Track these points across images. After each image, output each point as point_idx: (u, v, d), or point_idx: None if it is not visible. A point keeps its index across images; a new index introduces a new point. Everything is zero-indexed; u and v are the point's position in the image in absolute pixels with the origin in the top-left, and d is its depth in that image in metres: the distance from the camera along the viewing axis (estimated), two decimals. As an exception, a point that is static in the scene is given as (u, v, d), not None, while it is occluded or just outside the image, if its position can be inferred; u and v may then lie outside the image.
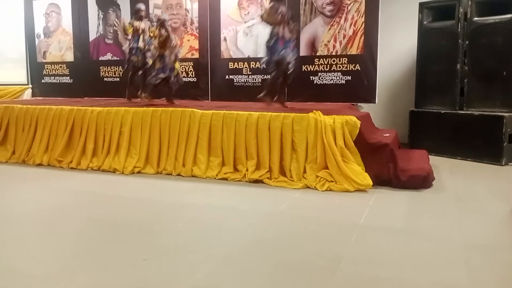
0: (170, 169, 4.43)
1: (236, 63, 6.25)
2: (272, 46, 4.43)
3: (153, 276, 2.14)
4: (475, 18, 4.92)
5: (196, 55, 6.49)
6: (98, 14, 7.21)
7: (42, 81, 7.86)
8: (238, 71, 6.24)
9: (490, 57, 4.85)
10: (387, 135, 4.34)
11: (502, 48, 4.75)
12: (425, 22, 5.33)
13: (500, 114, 4.68)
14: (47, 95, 7.67)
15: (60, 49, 7.66)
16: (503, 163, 4.63)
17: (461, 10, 5.00)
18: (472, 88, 5.01)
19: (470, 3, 4.94)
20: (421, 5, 5.33)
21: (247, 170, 4.13)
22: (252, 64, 6.15)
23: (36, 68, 7.94)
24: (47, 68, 7.78)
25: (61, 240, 2.69)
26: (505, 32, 4.71)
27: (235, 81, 6.27)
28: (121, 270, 2.21)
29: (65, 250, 2.52)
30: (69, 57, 7.57)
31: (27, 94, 7.93)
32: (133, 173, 4.48)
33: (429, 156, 4.63)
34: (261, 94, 4.58)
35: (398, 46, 5.91)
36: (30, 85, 8.00)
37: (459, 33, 5.02)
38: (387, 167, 3.80)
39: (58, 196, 3.75)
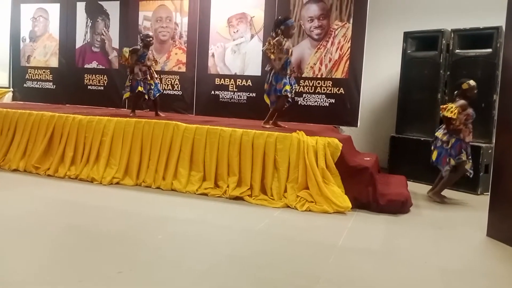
0: (149, 181, 4.38)
1: (222, 79, 6.28)
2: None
3: (128, 290, 2.10)
4: (457, 50, 5.08)
5: (183, 69, 6.50)
6: (87, 22, 7.18)
7: (24, 85, 7.71)
8: (224, 87, 6.27)
9: (470, 88, 4.98)
10: (368, 159, 4.40)
11: (481, 81, 4.87)
12: (408, 51, 5.47)
13: (477, 144, 4.79)
14: (28, 100, 7.53)
15: (45, 54, 7.56)
16: (479, 193, 4.72)
17: (443, 41, 5.16)
18: (452, 118, 5.12)
19: (452, 36, 5.10)
20: (406, 34, 5.48)
21: (228, 186, 4.12)
22: (239, 81, 6.19)
23: (19, 72, 7.80)
24: (30, 73, 7.66)
25: (36, 249, 2.62)
26: (485, 65, 4.87)
27: (221, 97, 6.28)
28: (96, 282, 2.16)
29: (40, 259, 2.46)
30: (54, 62, 7.47)
31: (8, 98, 7.77)
32: (112, 183, 4.41)
33: (408, 182, 4.69)
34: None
35: (382, 72, 6.03)
36: (11, 89, 7.85)
37: (441, 64, 5.17)
38: (366, 190, 3.84)
39: (33, 203, 3.66)
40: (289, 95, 4.41)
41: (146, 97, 5.23)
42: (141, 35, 5.66)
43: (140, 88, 5.11)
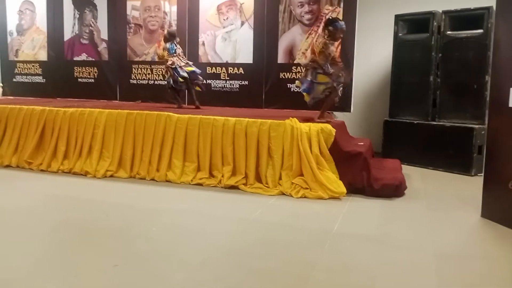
0: (143, 173, 4.36)
1: (214, 68, 6.23)
2: None
3: (124, 283, 2.10)
4: (448, 32, 5.06)
5: (174, 59, 6.43)
6: (74, 14, 7.07)
7: (14, 80, 7.62)
8: (216, 76, 6.22)
9: (462, 70, 4.98)
10: (361, 144, 4.39)
11: (473, 62, 4.88)
12: (400, 34, 5.44)
13: (470, 126, 4.80)
14: (18, 95, 7.44)
15: (33, 47, 7.46)
16: (473, 174, 4.75)
17: (435, 23, 5.13)
18: (444, 100, 5.13)
19: (443, 17, 5.07)
20: (397, 17, 5.44)
21: (222, 176, 4.11)
22: (230, 69, 6.14)
23: (7, 67, 7.70)
24: (19, 67, 7.56)
25: (30, 244, 2.61)
26: (476, 46, 4.85)
27: (213, 85, 6.24)
28: (92, 276, 2.15)
29: (34, 254, 2.44)
30: (43, 56, 7.38)
31: (-3, 93, 7.69)
32: (105, 176, 4.39)
33: (402, 165, 4.71)
34: None
35: (373, 56, 6.00)
36: (1, 84, 7.75)
37: (432, 46, 5.14)
38: (360, 175, 3.84)
39: (27, 198, 3.63)
40: (335, 85, 4.09)
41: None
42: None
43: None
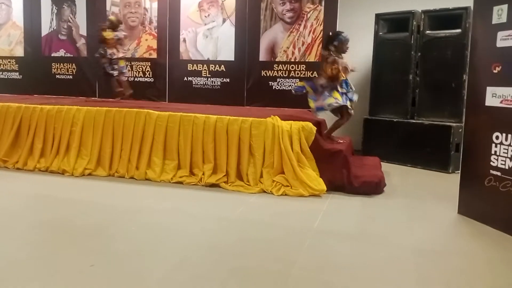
0: (122, 171, 4.30)
1: (195, 65, 6.19)
2: None
3: (103, 282, 2.06)
4: (427, 31, 5.13)
5: (154, 55, 6.38)
6: (52, 9, 6.93)
7: (-11, 76, 7.46)
8: (197, 73, 6.19)
9: (440, 69, 5.06)
10: (342, 141, 4.42)
11: (451, 61, 4.96)
12: (380, 33, 5.49)
13: (448, 124, 4.88)
14: (-7, 91, 7.28)
15: (10, 43, 7.29)
16: (450, 171, 4.83)
17: (414, 23, 5.19)
18: (423, 98, 5.20)
19: (423, 17, 5.14)
20: (377, 16, 5.49)
21: (203, 174, 4.08)
22: (212, 66, 6.11)
23: (-18, 62, 7.52)
24: (-6, 63, 7.39)
25: (7, 244, 2.54)
26: (454, 45, 4.93)
27: (194, 83, 6.20)
28: (69, 276, 2.11)
29: (11, 255, 2.38)
30: (19, 52, 7.22)
31: (-29, 89, 7.49)
32: (83, 175, 4.31)
33: (381, 163, 4.76)
34: None
35: (354, 55, 5.99)
36: (-25, 80, 7.56)
37: (412, 45, 5.21)
38: (340, 173, 3.87)
39: (2, 198, 3.54)
40: (340, 103, 4.07)
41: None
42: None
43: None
